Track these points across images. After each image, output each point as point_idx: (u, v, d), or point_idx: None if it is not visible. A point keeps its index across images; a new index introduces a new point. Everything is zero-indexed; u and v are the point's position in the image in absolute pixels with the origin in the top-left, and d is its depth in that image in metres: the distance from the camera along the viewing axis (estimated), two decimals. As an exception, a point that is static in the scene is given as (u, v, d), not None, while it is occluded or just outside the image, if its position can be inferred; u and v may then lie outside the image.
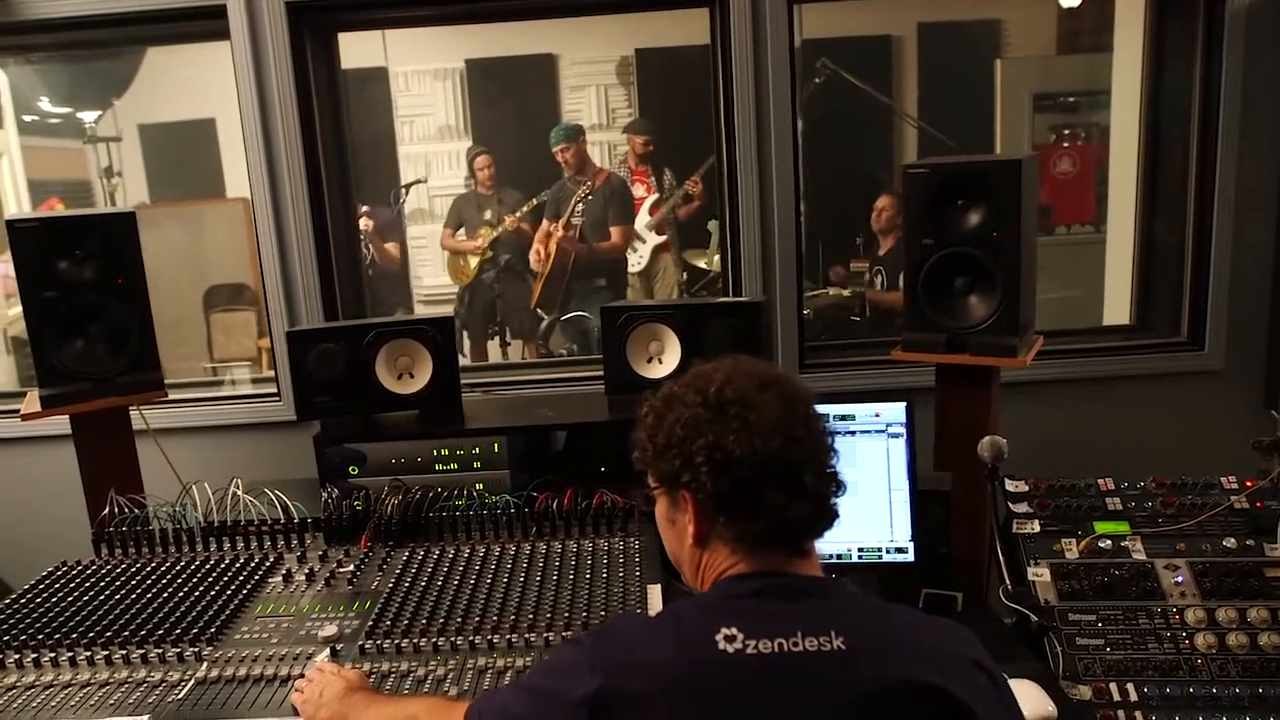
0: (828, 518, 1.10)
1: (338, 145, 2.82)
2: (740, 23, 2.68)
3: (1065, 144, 5.26)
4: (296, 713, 1.45)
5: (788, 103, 2.73)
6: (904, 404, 1.92)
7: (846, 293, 4.00)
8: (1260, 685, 1.64)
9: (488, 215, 5.08)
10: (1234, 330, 2.80)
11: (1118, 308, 3.35)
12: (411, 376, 2.31)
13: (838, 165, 5.14)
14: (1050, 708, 1.50)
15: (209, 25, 2.64)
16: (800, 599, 1.05)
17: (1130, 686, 1.66)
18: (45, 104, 4.10)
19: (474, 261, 5.09)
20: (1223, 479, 1.95)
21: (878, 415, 1.92)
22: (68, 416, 2.22)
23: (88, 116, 4.32)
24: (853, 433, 1.93)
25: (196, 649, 1.65)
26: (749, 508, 1.05)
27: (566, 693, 0.99)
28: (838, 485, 1.11)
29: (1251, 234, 2.77)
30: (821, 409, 1.88)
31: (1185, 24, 2.83)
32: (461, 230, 5.10)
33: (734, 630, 1.00)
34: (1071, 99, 5.03)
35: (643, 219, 5.03)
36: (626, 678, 0.98)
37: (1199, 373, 2.81)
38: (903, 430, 1.91)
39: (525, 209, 4.97)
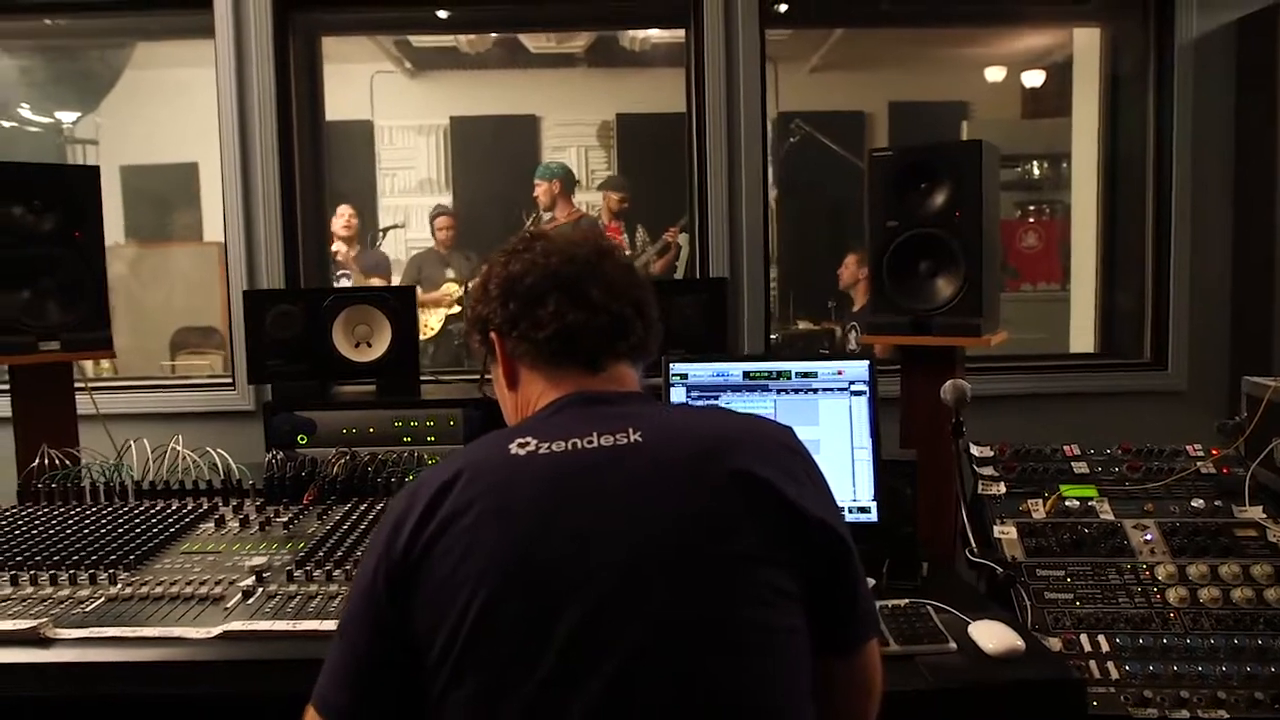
0: (623, 333, 1.10)
1: (314, 140, 2.85)
2: (714, 91, 2.76)
3: (1031, 219, 5.44)
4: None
5: (759, 166, 2.79)
6: (866, 362, 1.89)
7: (816, 327, 4.02)
8: (1235, 637, 1.57)
9: (450, 273, 5.06)
10: (1195, 353, 2.83)
11: (1082, 344, 3.39)
12: (369, 345, 2.26)
13: (809, 226, 5.27)
14: (1018, 642, 1.42)
15: (193, 20, 2.70)
16: (598, 406, 1.05)
17: (1101, 638, 1.58)
18: (26, 111, 4.13)
19: (435, 316, 5.04)
20: (1189, 447, 1.93)
21: (840, 373, 1.89)
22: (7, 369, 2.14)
23: (66, 118, 4.33)
24: (815, 390, 1.89)
25: (111, 573, 1.54)
26: (534, 317, 1.08)
27: (391, 551, 0.96)
28: (636, 308, 1.11)
29: (1209, 262, 2.83)
30: (784, 365, 1.90)
31: (1138, 66, 2.97)
32: (417, 287, 5.06)
33: (527, 439, 1.00)
34: (1034, 169, 5.21)
35: (613, 275, 5.05)
36: (425, 499, 0.97)
37: (1163, 392, 2.82)
38: (865, 388, 1.87)
39: (501, 262, 4.95)
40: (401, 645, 0.94)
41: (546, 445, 0.99)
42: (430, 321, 4.98)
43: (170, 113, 4.69)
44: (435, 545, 0.94)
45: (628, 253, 5.15)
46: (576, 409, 1.05)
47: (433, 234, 5.04)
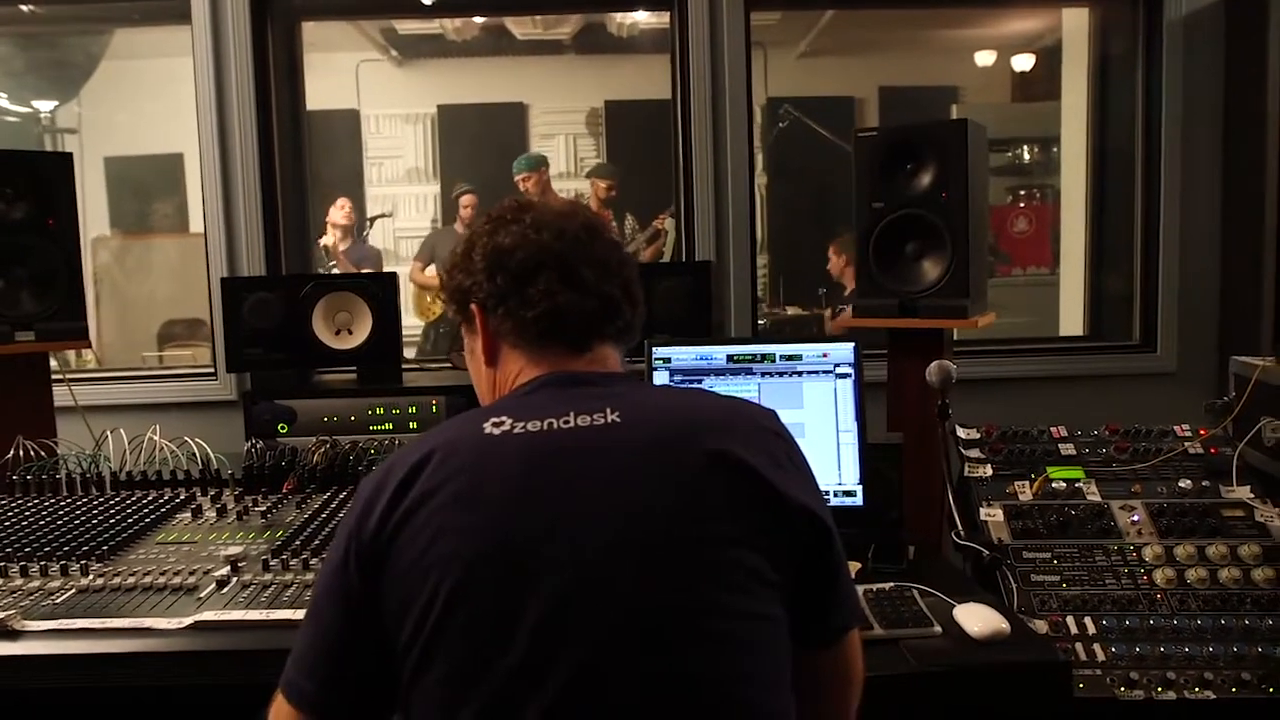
0: (611, 316, 1.07)
1: (295, 127, 2.81)
2: (699, 74, 2.73)
3: (1022, 204, 5.42)
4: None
5: (744, 150, 2.77)
6: (851, 344, 1.86)
7: (806, 313, 4.00)
8: (1222, 617, 1.56)
9: (463, 254, 5.01)
10: (1184, 334, 2.82)
11: (1072, 327, 3.38)
12: (350, 333, 2.23)
13: (799, 210, 5.24)
14: (1003, 625, 1.40)
15: (170, 5, 2.65)
16: (576, 387, 1.02)
17: (1088, 620, 1.57)
18: (3, 100, 4.07)
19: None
20: (1176, 427, 1.92)
21: (825, 355, 1.86)
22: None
23: (44, 107, 4.27)
24: (799, 373, 1.86)
25: (84, 564, 1.52)
26: (522, 295, 1.04)
27: (362, 530, 0.93)
28: (624, 290, 1.08)
29: (1198, 242, 2.81)
30: (768, 348, 1.88)
31: (1127, 47, 2.95)
32: (431, 267, 5.04)
33: (502, 418, 0.96)
34: (1025, 153, 5.18)
35: (600, 263, 5.01)
36: (397, 479, 0.94)
37: (1153, 374, 2.81)
38: (850, 370, 1.85)
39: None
40: (371, 628, 0.92)
41: (522, 425, 0.96)
42: (436, 305, 4.95)
43: (154, 103, 4.64)
44: (406, 526, 0.91)
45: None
46: (554, 389, 1.02)
47: (457, 214, 4.99)
